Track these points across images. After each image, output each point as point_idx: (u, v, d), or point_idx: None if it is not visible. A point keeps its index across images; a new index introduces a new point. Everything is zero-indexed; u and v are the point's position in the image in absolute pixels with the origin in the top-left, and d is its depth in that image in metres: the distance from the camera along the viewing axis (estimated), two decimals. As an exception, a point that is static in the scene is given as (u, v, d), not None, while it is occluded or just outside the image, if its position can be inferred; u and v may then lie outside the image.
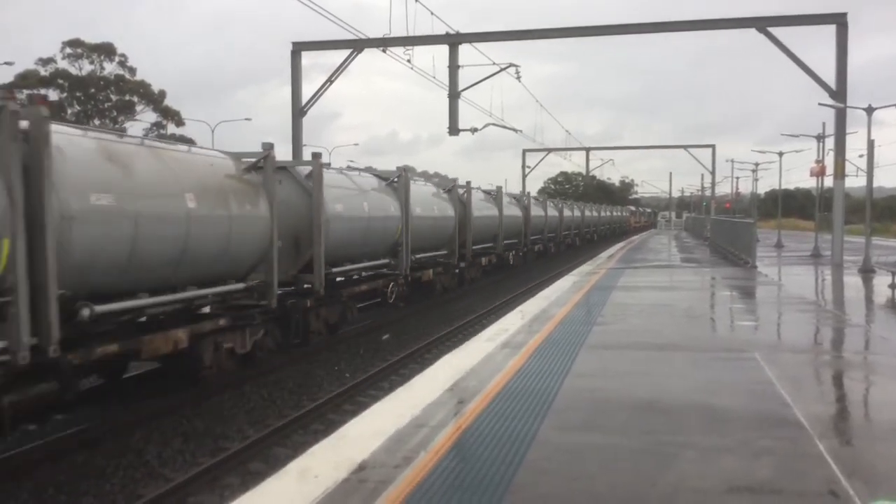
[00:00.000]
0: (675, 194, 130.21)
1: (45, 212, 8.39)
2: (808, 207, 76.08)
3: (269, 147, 13.56)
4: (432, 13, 27.75)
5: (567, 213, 52.37)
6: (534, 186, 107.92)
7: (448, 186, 26.04)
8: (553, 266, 38.06)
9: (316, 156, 15.58)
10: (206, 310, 12.61)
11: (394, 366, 14.64)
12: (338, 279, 17.09)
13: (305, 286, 15.09)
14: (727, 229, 36.78)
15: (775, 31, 27.48)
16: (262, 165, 13.30)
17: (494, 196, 31.81)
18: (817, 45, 32.60)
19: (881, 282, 20.60)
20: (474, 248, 27.59)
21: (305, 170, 15.53)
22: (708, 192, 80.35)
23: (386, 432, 6.74)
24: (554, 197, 74.77)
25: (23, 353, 8.07)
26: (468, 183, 27.71)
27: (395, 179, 20.21)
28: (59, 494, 8.29)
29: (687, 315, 14.69)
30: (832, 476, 5.69)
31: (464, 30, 30.11)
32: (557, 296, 17.68)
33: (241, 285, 12.76)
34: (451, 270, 25.27)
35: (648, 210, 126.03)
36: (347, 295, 17.20)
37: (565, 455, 6.30)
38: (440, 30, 29.15)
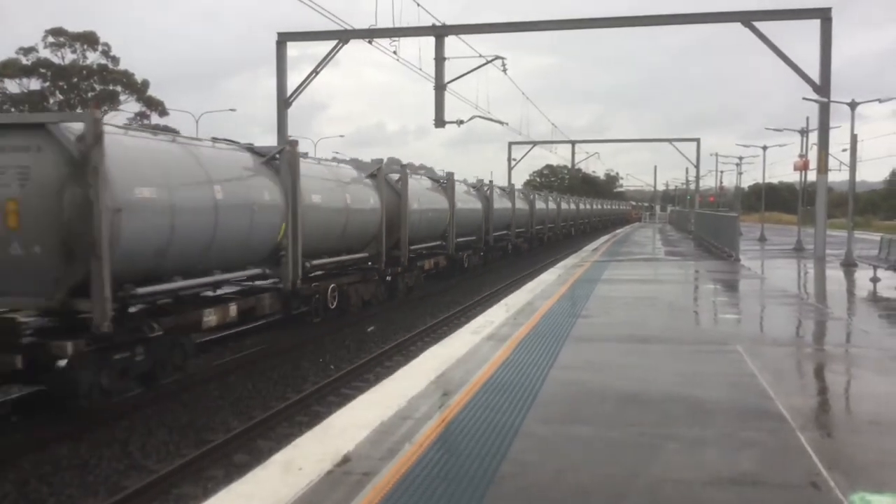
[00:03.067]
0: (660, 188, 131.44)
1: None
2: (792, 201, 76.58)
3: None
4: (419, 4, 27.74)
5: (541, 205, 45.96)
6: (520, 179, 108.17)
7: (372, 170, 20.00)
8: (527, 264, 38.00)
9: (91, 107, 10.42)
10: None
11: (379, 358, 14.64)
12: (159, 301, 11.59)
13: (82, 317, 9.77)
14: (711, 223, 36.98)
15: (760, 25, 27.62)
16: None
17: (444, 184, 26.51)
18: (802, 40, 32.77)
19: (863, 275, 20.78)
20: (413, 248, 22.01)
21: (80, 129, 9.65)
22: (692, 186, 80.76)
23: (371, 424, 6.75)
24: (541, 189, 74.88)
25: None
26: (404, 168, 22.41)
27: (277, 156, 14.70)
28: (42, 486, 8.25)
29: (670, 308, 14.77)
30: (813, 468, 5.74)
31: (450, 22, 30.09)
32: (542, 289, 17.72)
33: None
34: (378, 278, 19.55)
35: (646, 204, 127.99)
36: (177, 326, 11.37)
37: (549, 447, 6.33)
38: (426, 21, 29.13)
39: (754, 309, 15.41)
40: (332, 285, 16.69)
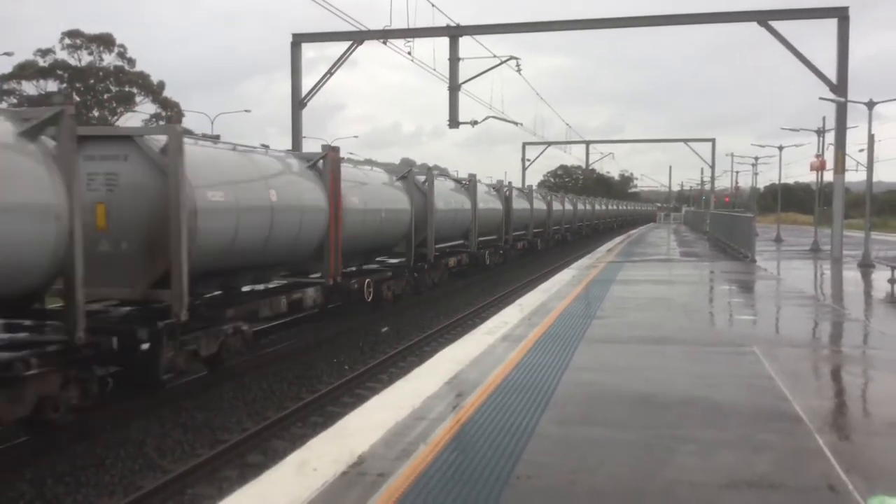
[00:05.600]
0: (675, 188, 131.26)
1: None
2: (808, 202, 76.09)
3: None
4: (433, 5, 27.72)
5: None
6: (534, 179, 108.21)
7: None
8: (542, 264, 37.84)
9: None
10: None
11: (393, 358, 14.64)
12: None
13: None
14: (726, 223, 36.78)
15: (777, 24, 27.47)
16: None
17: (320, 170, 15.57)
18: (819, 40, 32.54)
19: (880, 276, 20.60)
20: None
21: None
22: (707, 186, 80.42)
23: (385, 425, 6.74)
24: (556, 190, 74.84)
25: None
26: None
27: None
28: (58, 485, 8.29)
29: (686, 309, 14.68)
30: (831, 471, 5.69)
31: (465, 22, 30.09)
32: (557, 289, 17.67)
33: None
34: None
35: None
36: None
37: (564, 448, 6.30)
38: (441, 22, 29.15)
39: (770, 310, 15.31)
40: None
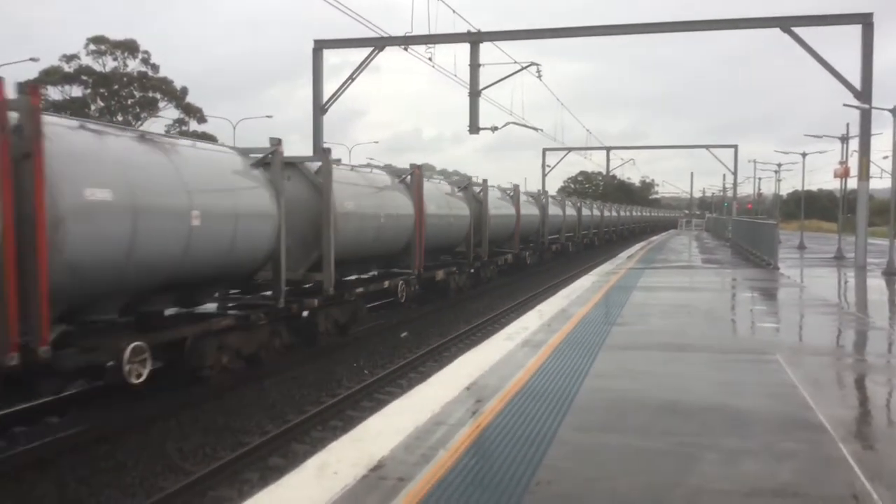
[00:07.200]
0: (697, 194, 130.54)
1: None
2: (832, 209, 75.46)
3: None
4: (454, 11, 27.80)
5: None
6: (554, 186, 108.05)
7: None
8: (561, 270, 37.77)
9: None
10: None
11: (412, 363, 14.65)
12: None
13: None
14: (749, 230, 36.51)
15: (800, 31, 27.23)
16: None
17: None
18: (843, 46, 32.26)
19: (905, 285, 20.38)
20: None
21: None
22: (730, 193, 79.94)
23: (405, 429, 6.74)
24: (583, 197, 74.86)
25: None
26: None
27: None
28: (80, 487, 8.36)
29: (708, 316, 14.58)
30: (855, 480, 5.63)
31: (485, 28, 30.10)
32: (577, 295, 17.61)
33: None
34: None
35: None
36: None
37: (585, 455, 6.27)
38: (462, 28, 29.18)
39: (793, 318, 15.17)
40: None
